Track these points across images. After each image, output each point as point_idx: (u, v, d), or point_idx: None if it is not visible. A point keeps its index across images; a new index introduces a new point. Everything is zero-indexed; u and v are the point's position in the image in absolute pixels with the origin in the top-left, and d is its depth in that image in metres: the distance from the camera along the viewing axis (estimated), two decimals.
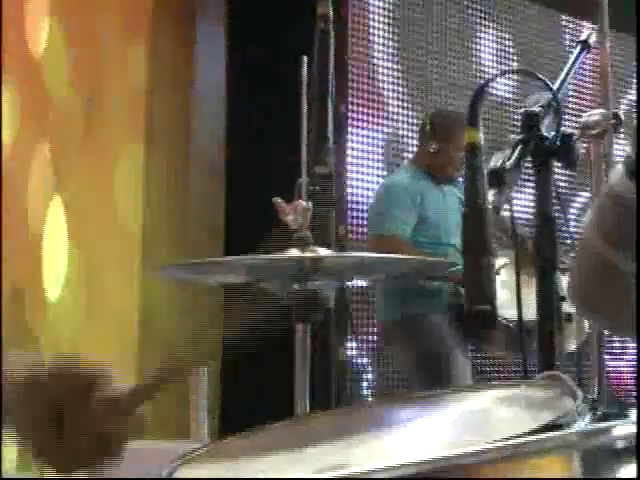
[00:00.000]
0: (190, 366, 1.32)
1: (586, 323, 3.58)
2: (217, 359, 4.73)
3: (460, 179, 4.17)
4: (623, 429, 0.74)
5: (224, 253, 4.63)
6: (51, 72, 4.16)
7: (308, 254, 2.24)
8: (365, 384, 5.18)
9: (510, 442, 0.91)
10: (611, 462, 0.62)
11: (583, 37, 2.36)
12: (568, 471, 0.71)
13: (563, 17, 6.23)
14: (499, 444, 0.83)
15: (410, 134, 5.45)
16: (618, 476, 0.60)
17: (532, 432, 1.00)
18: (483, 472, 0.73)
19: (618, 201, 0.67)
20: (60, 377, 1.23)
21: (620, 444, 0.67)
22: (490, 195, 1.68)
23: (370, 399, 5.13)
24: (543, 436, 0.91)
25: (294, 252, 2.25)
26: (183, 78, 4.88)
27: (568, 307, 2.17)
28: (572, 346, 3.59)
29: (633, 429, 0.68)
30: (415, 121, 5.43)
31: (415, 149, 4.82)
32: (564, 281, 2.15)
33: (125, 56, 4.56)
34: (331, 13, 2.30)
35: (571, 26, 6.20)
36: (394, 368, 4.89)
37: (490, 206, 1.63)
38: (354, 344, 5.06)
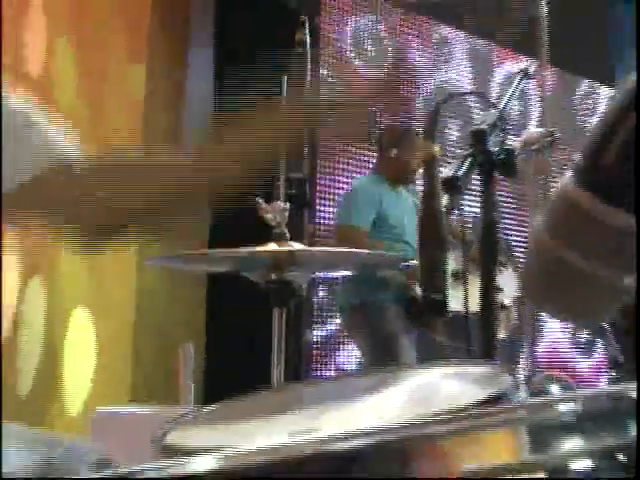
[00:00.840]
0: None
1: (514, 313, 3.63)
2: (202, 336, 4.72)
3: (413, 185, 4.23)
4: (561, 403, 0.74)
5: (209, 245, 4.62)
6: (61, 85, 4.13)
7: (284, 248, 2.24)
8: (331, 360, 5.19)
9: (459, 412, 0.91)
10: (548, 433, 0.61)
11: (523, 67, 2.37)
12: (511, 439, 0.70)
13: (507, 51, 6.26)
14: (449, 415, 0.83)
15: (373, 144, 5.45)
16: (560, 447, 0.59)
17: (476, 404, 1.00)
18: (434, 441, 0.72)
19: (567, 202, 0.68)
20: None
21: (557, 416, 0.66)
22: (444, 199, 1.69)
23: (335, 373, 5.14)
24: (487, 408, 0.91)
25: (272, 246, 2.25)
26: (176, 91, 4.86)
27: (502, 298, 2.18)
28: (504, 332, 3.62)
29: (568, 405, 0.67)
30: (378, 131, 5.44)
31: (376, 159, 4.86)
32: (503, 276, 2.17)
33: (126, 72, 4.53)
34: (307, 39, 2.30)
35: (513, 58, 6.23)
36: (353, 347, 4.90)
37: (444, 209, 1.64)
38: (321, 326, 5.08)
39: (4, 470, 1.17)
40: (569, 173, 0.71)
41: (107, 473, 0.62)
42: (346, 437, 0.59)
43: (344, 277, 4.12)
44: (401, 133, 4.35)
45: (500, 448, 0.59)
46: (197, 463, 0.57)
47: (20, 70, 3.85)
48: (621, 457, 0.58)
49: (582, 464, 0.59)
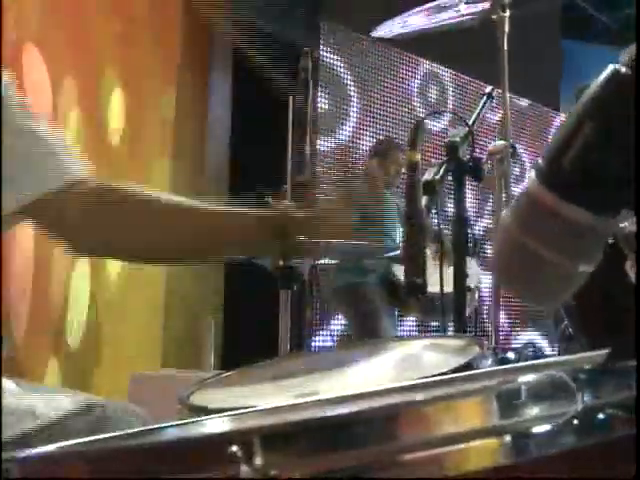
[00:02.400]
0: None
1: (476, 294, 3.62)
2: (221, 313, 4.71)
3: (396, 189, 4.21)
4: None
5: None
6: (105, 106, 4.13)
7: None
8: (327, 334, 5.18)
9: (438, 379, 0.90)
10: (515, 399, 0.59)
11: (488, 90, 2.36)
12: (481, 403, 0.67)
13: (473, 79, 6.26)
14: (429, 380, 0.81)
15: (362, 155, 5.46)
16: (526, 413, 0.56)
17: (451, 371, 0.98)
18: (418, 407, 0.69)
19: (531, 198, 0.66)
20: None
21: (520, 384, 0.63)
22: (424, 200, 1.67)
23: (331, 345, 5.13)
24: (461, 374, 0.90)
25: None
26: (200, 113, 4.85)
27: (468, 282, 2.17)
28: (469, 310, 3.61)
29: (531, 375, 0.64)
30: (367, 145, 5.44)
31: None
32: (471, 264, 2.15)
33: (159, 97, 4.53)
34: (310, 66, 2.27)
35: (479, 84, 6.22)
36: (344, 322, 4.89)
37: (424, 208, 1.62)
38: (319, 305, 5.06)
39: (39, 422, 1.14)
40: (533, 174, 0.69)
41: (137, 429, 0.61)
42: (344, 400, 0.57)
43: (337, 263, 4.10)
44: (385, 145, 4.35)
45: (470, 414, 0.56)
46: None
47: (75, 96, 3.85)
48: (575, 422, 0.56)
49: (542, 428, 0.56)
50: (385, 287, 4.03)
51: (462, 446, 0.51)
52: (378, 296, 4.05)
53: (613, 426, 0.55)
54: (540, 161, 0.67)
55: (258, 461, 0.43)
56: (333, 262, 4.02)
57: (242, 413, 0.56)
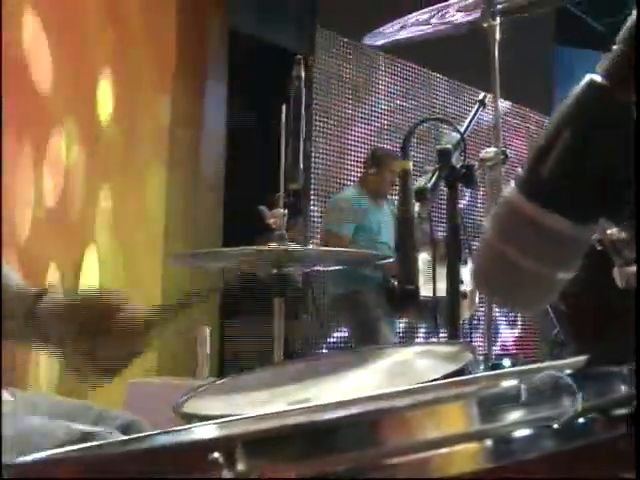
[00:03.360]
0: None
1: (476, 299, 3.61)
2: (217, 321, 4.70)
3: (390, 197, 4.22)
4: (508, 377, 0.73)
5: (222, 245, 4.60)
6: (101, 112, 4.14)
7: (283, 247, 2.23)
8: (322, 341, 5.18)
9: (431, 384, 0.90)
10: (495, 405, 0.59)
11: (480, 97, 2.36)
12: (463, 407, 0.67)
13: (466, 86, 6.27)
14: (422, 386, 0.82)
15: (356, 163, 5.47)
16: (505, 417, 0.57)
17: (444, 377, 0.99)
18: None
19: (510, 207, 0.68)
20: (88, 305, 1.16)
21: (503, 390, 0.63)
22: (416, 207, 1.68)
23: (326, 351, 5.13)
24: (453, 379, 0.90)
25: (274, 245, 2.23)
26: (195, 118, 4.86)
27: (464, 288, 2.16)
28: (466, 316, 3.60)
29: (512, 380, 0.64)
30: (360, 152, 5.46)
31: (359, 175, 4.89)
32: (465, 270, 2.16)
33: (155, 102, 4.54)
34: (303, 74, 2.28)
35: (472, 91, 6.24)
36: (342, 329, 4.89)
37: (416, 215, 1.63)
38: (314, 312, 5.06)
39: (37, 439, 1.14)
40: (512, 183, 0.71)
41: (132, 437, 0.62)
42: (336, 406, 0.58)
43: (335, 271, 4.11)
44: (381, 155, 4.35)
45: (454, 418, 0.57)
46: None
47: (71, 104, 3.86)
48: (556, 425, 0.57)
49: (523, 432, 0.57)
50: (383, 294, 4.04)
51: (447, 450, 0.52)
52: (376, 303, 4.06)
53: (594, 430, 0.56)
54: (520, 170, 0.68)
55: (240, 467, 0.44)
56: (330, 269, 4.04)
57: (230, 420, 0.57)
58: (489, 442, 0.53)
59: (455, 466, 0.51)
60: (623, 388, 0.59)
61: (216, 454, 0.43)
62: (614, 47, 0.64)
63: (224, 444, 0.43)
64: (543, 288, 0.68)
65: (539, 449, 0.53)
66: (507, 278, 0.68)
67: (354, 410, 0.54)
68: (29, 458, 0.54)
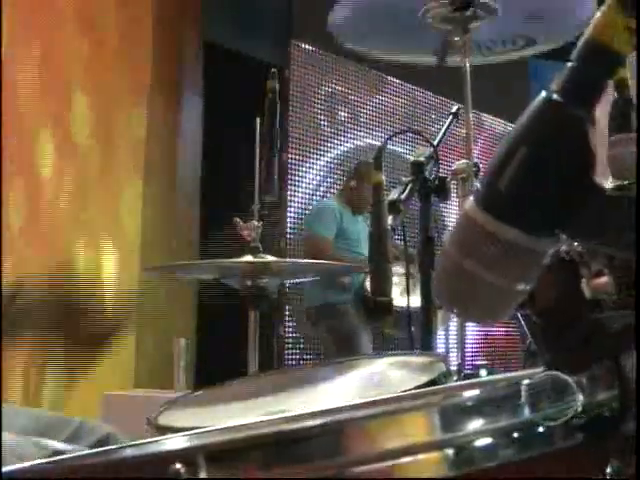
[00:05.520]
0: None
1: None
2: (193, 333, 4.69)
3: (367, 213, 4.25)
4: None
5: (199, 257, 4.60)
6: (77, 126, 4.13)
7: (258, 259, 2.23)
8: (297, 353, 5.17)
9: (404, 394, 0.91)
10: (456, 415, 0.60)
11: (453, 110, 2.39)
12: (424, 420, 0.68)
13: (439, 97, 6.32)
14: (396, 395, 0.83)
15: (334, 175, 5.50)
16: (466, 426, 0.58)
17: (417, 387, 1.00)
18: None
19: (468, 219, 0.69)
20: None
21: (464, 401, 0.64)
22: (389, 219, 1.69)
23: (301, 364, 5.12)
24: (425, 389, 0.91)
25: (248, 257, 2.24)
26: (171, 131, 4.87)
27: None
28: (440, 328, 3.62)
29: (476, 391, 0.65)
30: (336, 164, 5.50)
31: (338, 187, 4.93)
32: None
33: (130, 116, 4.54)
34: (277, 87, 2.29)
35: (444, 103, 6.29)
36: (318, 342, 4.88)
37: (389, 227, 1.64)
38: (290, 324, 5.06)
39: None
40: (471, 197, 0.72)
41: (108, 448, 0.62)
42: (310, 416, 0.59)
43: (309, 282, 4.12)
44: (364, 169, 4.37)
45: (416, 428, 0.58)
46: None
47: (46, 117, 3.86)
48: (515, 435, 0.58)
49: (483, 441, 0.58)
50: (359, 304, 4.05)
51: (410, 458, 0.53)
52: (353, 313, 4.07)
53: (551, 439, 0.58)
54: (478, 185, 0.70)
55: (202, 477, 0.44)
56: (306, 280, 4.04)
57: (199, 432, 0.58)
58: (450, 451, 0.54)
59: (418, 474, 0.52)
60: (581, 397, 0.60)
61: (178, 465, 0.43)
62: (568, 64, 0.66)
63: (187, 455, 0.44)
64: (501, 299, 0.70)
65: (498, 458, 0.55)
66: (465, 289, 0.69)
67: (320, 421, 0.54)
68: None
